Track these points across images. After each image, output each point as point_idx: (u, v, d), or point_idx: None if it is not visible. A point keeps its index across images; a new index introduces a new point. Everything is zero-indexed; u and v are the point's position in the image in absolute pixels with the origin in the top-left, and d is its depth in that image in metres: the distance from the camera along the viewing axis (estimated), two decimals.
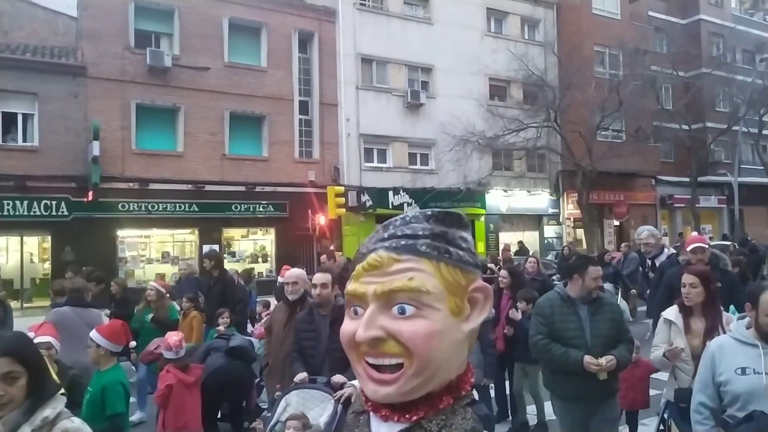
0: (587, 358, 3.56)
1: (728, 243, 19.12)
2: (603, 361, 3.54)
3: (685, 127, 24.29)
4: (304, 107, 19.36)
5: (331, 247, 18.34)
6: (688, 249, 5.19)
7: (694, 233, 21.00)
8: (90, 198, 15.31)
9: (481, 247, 21.87)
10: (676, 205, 27.11)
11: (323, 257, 10.16)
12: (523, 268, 7.62)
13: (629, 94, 20.94)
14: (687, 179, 25.23)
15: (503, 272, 6.37)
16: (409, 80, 21.41)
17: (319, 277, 4.17)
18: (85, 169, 15.25)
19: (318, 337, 4.05)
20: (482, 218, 22.62)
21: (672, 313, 3.67)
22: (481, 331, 5.39)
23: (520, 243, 20.55)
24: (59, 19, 17.27)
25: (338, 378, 3.74)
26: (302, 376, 3.90)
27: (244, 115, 18.09)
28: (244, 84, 17.97)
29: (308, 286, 4.59)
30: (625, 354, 3.68)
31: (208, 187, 17.14)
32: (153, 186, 16.35)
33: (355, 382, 3.34)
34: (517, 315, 5.91)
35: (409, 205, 20.67)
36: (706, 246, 5.06)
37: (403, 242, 0.92)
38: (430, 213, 0.96)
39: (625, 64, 22.83)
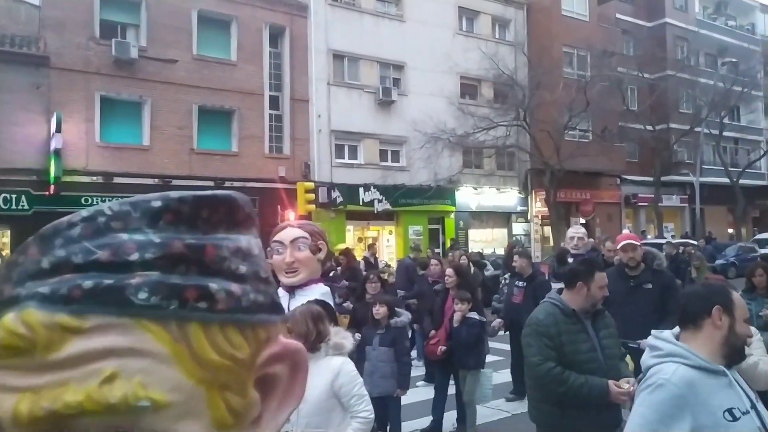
0: (613, 386, 2.91)
1: (695, 242, 19.72)
2: (626, 385, 2.89)
3: (650, 127, 24.94)
4: (274, 102, 19.21)
5: None
6: (618, 246, 5.00)
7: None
8: (52, 191, 14.93)
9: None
10: (640, 203, 27.81)
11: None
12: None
13: (596, 94, 21.36)
14: (651, 179, 25.90)
15: (448, 270, 5.94)
16: (381, 77, 21.43)
17: None
18: (47, 162, 14.85)
19: None
20: (452, 215, 22.82)
21: None
22: (396, 338, 4.72)
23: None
24: (21, 7, 16.71)
25: None
26: None
27: (213, 110, 17.85)
28: (214, 78, 17.72)
29: None
30: (631, 375, 3.09)
31: (175, 182, 16.84)
32: (118, 180, 16.01)
33: None
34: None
35: (379, 201, 20.74)
36: (638, 243, 4.84)
37: (90, 283, 0.38)
38: (160, 203, 0.42)
39: (593, 65, 23.27)
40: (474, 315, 5.44)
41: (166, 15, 17.04)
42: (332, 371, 2.80)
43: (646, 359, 2.00)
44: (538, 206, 24.67)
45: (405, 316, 5.21)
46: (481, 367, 5.52)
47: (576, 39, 23.49)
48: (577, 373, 2.93)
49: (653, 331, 2.15)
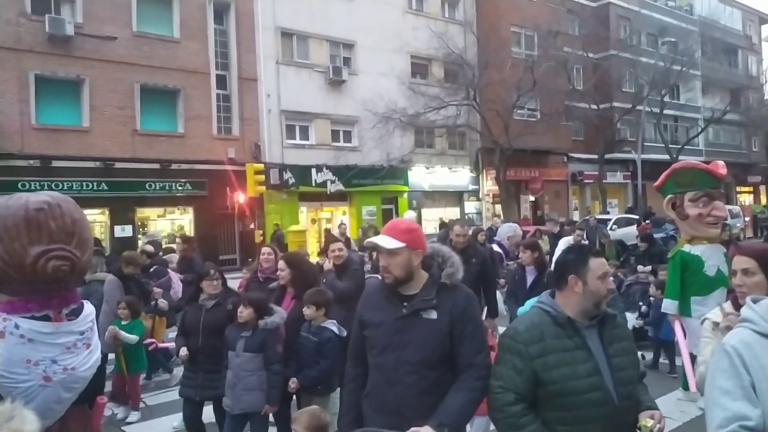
0: None
1: (636, 216, 20.47)
2: (651, 421, 2.11)
3: (594, 106, 25.64)
4: (221, 81, 18.72)
5: (252, 226, 18.09)
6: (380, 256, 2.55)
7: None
8: None
9: None
10: (585, 180, 28.73)
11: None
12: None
13: (543, 74, 21.76)
14: (595, 156, 26.71)
15: (280, 263, 4.57)
16: (331, 56, 21.17)
17: None
18: None
19: None
20: (405, 195, 22.97)
21: (721, 313, 2.57)
22: (266, 342, 4.03)
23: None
24: None
25: None
26: None
27: (156, 89, 17.25)
28: (156, 55, 17.10)
29: None
30: (654, 404, 2.26)
31: (118, 165, 16.31)
32: (56, 163, 15.36)
33: None
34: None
35: (332, 182, 20.65)
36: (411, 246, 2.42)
37: None
38: None
39: (540, 44, 23.67)
40: (330, 325, 4.10)
41: None
42: None
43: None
44: (489, 185, 25.11)
45: (278, 316, 4.14)
46: (331, 392, 4.21)
47: (523, 18, 23.80)
48: (542, 426, 2.14)
49: (752, 296, 1.90)
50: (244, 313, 4.03)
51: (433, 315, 2.39)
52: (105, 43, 16.18)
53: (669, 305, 5.04)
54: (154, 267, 7.51)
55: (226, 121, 18.83)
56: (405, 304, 2.44)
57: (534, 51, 23.65)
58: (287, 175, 19.58)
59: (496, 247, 9.72)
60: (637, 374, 2.30)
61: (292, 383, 4.02)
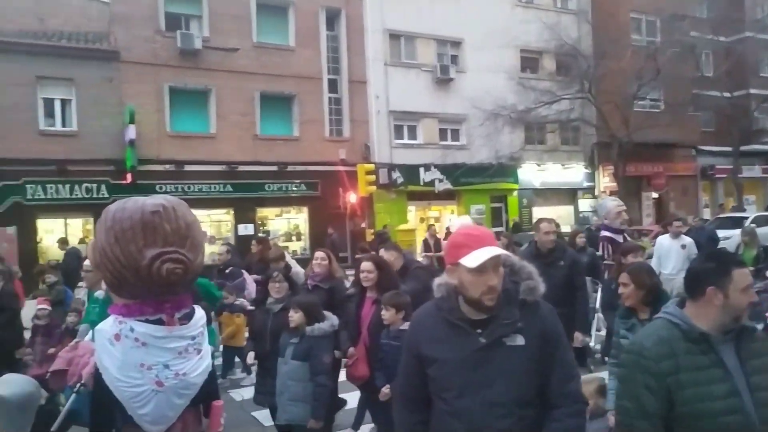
0: None
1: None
2: None
3: (727, 94, 23.39)
4: (333, 85, 19.34)
5: (363, 225, 18.50)
6: (473, 267, 1.99)
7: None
8: (128, 180, 15.71)
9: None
10: (717, 175, 26.27)
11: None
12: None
13: (667, 61, 20.20)
14: (729, 149, 24.35)
15: (367, 265, 4.29)
16: (438, 55, 21.12)
17: None
18: (123, 152, 15.63)
19: None
20: (515, 193, 22.37)
21: None
22: (312, 349, 3.81)
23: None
24: (92, 4, 17.61)
25: None
26: None
27: (273, 96, 18.19)
28: (273, 64, 18.04)
29: None
30: None
31: (241, 168, 17.39)
32: (188, 168, 16.68)
33: None
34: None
35: (440, 181, 20.59)
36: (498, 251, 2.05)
37: None
38: None
39: (663, 30, 22.04)
40: None
41: (226, 4, 17.45)
42: None
43: None
44: (606, 181, 23.73)
45: (328, 323, 3.99)
46: None
47: (644, 3, 22.30)
48: None
49: None
50: (295, 317, 3.93)
51: (520, 340, 1.97)
52: (229, 54, 17.33)
53: None
54: (230, 269, 7.49)
55: (337, 123, 19.43)
56: (479, 330, 1.98)
57: (656, 37, 22.05)
58: (396, 175, 19.80)
59: (607, 233, 8.15)
60: None
61: (386, 389, 3.85)
